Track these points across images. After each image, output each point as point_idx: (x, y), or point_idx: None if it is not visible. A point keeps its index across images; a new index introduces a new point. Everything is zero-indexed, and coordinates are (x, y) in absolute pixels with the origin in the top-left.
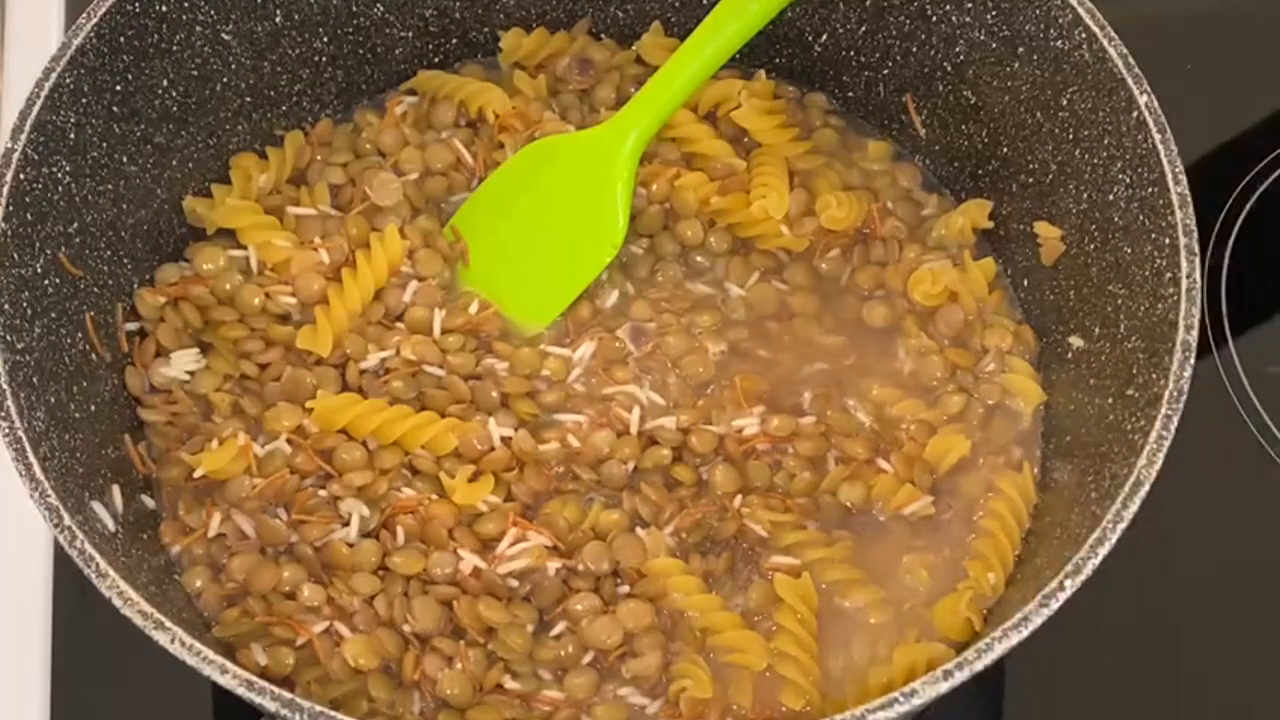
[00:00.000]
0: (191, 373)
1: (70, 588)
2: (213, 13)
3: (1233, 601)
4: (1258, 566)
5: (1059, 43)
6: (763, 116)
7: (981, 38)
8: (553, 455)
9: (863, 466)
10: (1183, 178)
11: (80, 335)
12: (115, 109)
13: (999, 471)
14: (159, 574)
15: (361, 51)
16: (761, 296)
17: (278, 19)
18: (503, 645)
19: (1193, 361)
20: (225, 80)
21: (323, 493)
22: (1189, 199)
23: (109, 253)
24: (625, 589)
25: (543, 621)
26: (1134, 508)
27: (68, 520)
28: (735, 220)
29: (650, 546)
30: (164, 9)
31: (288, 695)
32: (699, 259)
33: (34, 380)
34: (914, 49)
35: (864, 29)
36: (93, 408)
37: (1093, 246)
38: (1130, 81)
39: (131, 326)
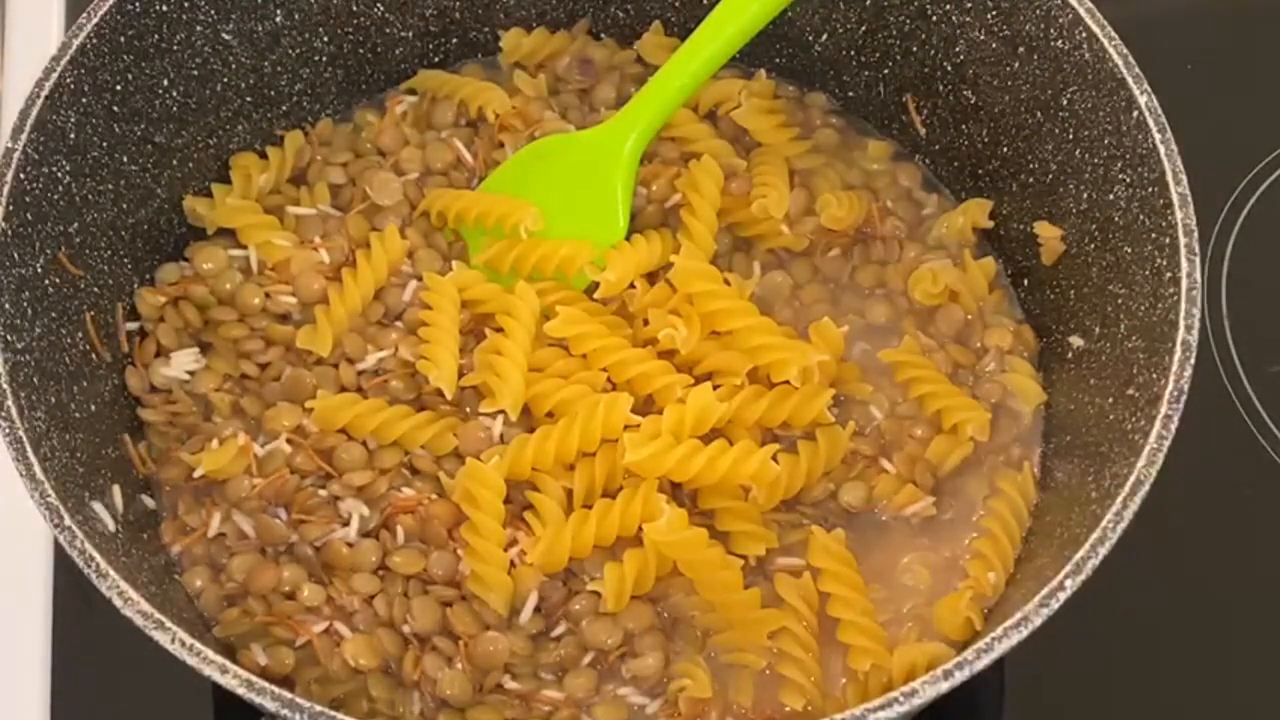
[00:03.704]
0: (192, 372)
1: (70, 588)
2: (213, 12)
3: (1233, 601)
4: (1258, 566)
5: (1059, 42)
6: (763, 116)
7: (982, 37)
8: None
9: (866, 467)
10: (1183, 177)
11: (80, 335)
12: (115, 109)
13: (999, 471)
14: (159, 574)
15: (361, 51)
16: (771, 287)
17: (278, 18)
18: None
19: (1193, 361)
20: (225, 80)
21: (322, 492)
22: (1189, 199)
23: (109, 252)
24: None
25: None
26: (1134, 507)
27: (68, 520)
28: (735, 219)
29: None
30: (164, 9)
31: (288, 695)
32: None
33: (34, 380)
34: (914, 49)
35: (864, 29)
36: (93, 407)
37: (1093, 246)
38: (1130, 81)
39: (132, 326)
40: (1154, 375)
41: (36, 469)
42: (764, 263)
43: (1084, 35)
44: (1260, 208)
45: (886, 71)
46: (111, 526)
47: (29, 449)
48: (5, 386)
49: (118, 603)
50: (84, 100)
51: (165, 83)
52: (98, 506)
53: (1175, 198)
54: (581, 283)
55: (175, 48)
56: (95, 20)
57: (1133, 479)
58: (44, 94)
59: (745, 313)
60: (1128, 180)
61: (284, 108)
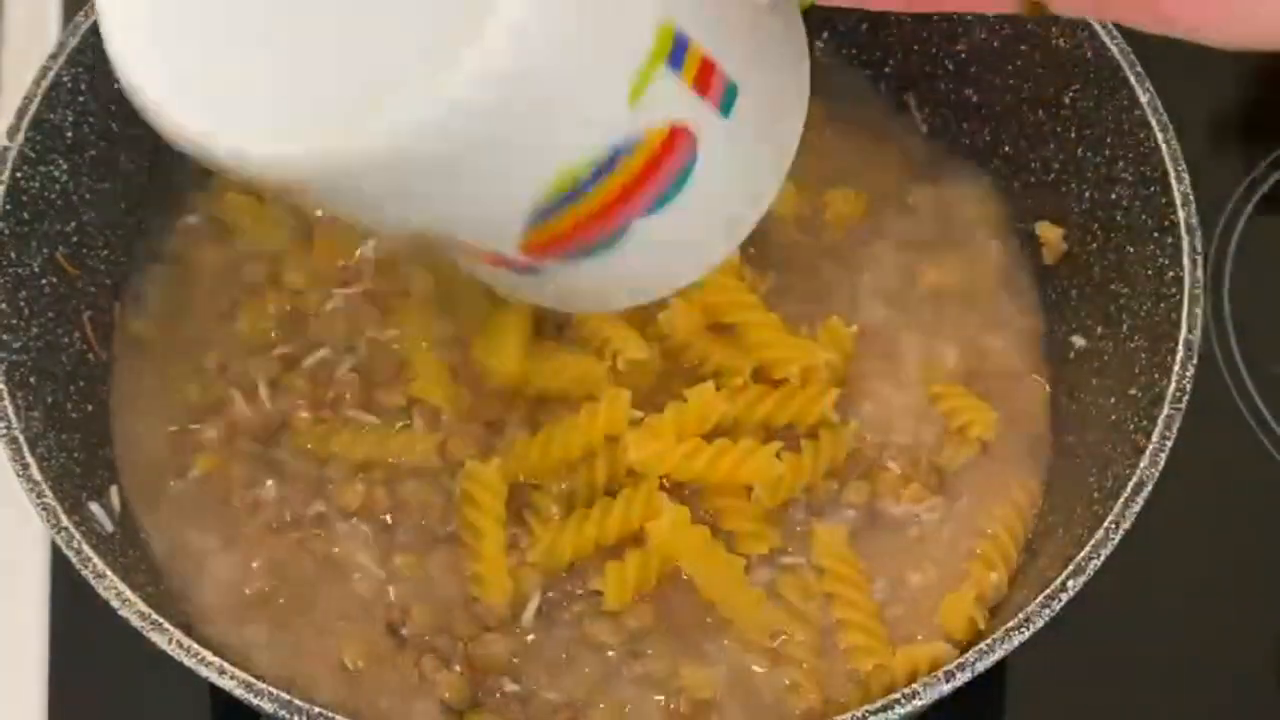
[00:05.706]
0: None
1: (67, 589)
2: None
3: (1237, 602)
4: (1261, 567)
5: (1061, 41)
6: None
7: (984, 36)
8: None
9: (870, 465)
10: (1185, 176)
11: (78, 335)
12: (113, 107)
13: (1003, 471)
14: (156, 575)
15: None
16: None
17: None
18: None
19: (1195, 361)
20: None
21: None
22: (1191, 198)
23: (106, 252)
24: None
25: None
26: (1137, 508)
27: (65, 521)
28: None
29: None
30: None
31: (285, 696)
32: None
33: (31, 380)
34: (915, 47)
35: (865, 27)
36: (90, 408)
37: (1095, 246)
38: (1133, 80)
39: None
40: (1156, 375)
41: (34, 469)
42: (771, 260)
43: (1086, 33)
44: (1264, 206)
45: (887, 70)
46: (109, 527)
47: (26, 449)
48: (2, 386)
49: (115, 603)
50: (81, 99)
51: None
52: (95, 507)
53: (1178, 196)
54: None
55: None
56: (93, 19)
57: (1135, 479)
58: (41, 92)
59: (749, 307)
60: (1130, 179)
61: None
